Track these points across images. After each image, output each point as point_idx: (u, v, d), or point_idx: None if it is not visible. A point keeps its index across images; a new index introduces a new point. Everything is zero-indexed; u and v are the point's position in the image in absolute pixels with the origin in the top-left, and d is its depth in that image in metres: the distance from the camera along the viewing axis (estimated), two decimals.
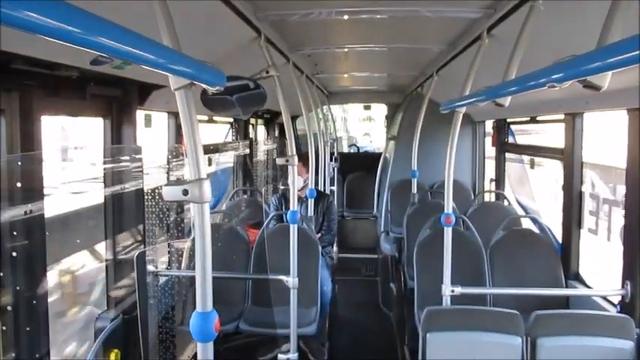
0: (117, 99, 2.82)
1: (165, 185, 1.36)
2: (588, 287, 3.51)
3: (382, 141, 9.36)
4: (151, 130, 3.39)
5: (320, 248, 4.00)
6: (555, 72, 1.34)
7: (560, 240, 3.81)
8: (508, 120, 5.39)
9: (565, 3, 1.90)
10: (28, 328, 2.05)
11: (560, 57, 1.36)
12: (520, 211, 5.22)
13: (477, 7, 2.50)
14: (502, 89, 1.95)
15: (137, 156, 3.00)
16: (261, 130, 7.44)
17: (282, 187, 6.95)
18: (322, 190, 6.06)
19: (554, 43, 2.32)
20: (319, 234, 4.61)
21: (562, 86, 1.35)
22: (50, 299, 2.27)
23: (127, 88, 2.84)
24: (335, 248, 5.61)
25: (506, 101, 2.06)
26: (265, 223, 4.10)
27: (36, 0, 0.71)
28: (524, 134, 5.41)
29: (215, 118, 5.00)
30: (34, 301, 2.10)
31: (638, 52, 0.93)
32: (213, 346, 1.43)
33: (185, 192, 1.33)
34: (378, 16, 2.81)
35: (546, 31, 2.18)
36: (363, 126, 13.89)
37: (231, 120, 5.70)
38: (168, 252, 3.59)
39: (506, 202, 5.25)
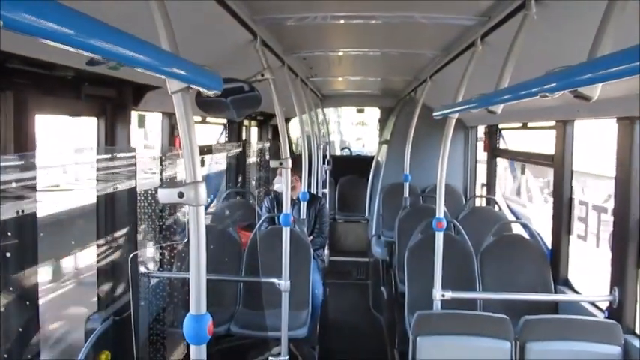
0: (111, 99, 2.82)
1: (161, 187, 1.36)
2: (577, 293, 3.55)
3: (374, 145, 9.39)
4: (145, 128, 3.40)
5: (312, 251, 4.01)
6: (547, 82, 1.37)
7: (549, 246, 3.85)
8: (500, 126, 5.44)
9: (558, 14, 1.93)
10: (20, 329, 2.05)
11: (552, 66, 1.38)
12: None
13: (471, 14, 2.53)
14: (495, 97, 1.97)
15: (130, 155, 3.00)
16: (255, 131, 7.43)
17: (273, 189, 6.94)
18: (314, 192, 6.06)
19: (547, 52, 2.35)
20: (311, 236, 4.62)
21: (553, 96, 1.38)
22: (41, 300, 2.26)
23: (122, 89, 2.84)
24: (326, 251, 5.62)
25: (499, 108, 2.09)
26: (257, 226, 4.10)
27: (35, 2, 0.71)
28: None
29: (208, 119, 5.00)
30: (26, 302, 2.09)
31: (628, 65, 0.95)
32: (205, 349, 1.44)
33: (181, 195, 1.33)
34: (373, 22, 2.83)
35: (539, 41, 2.20)
36: (356, 130, 13.92)
37: (225, 121, 5.70)
38: (160, 253, 3.59)
39: (496, 208, 5.29)
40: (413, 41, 3.51)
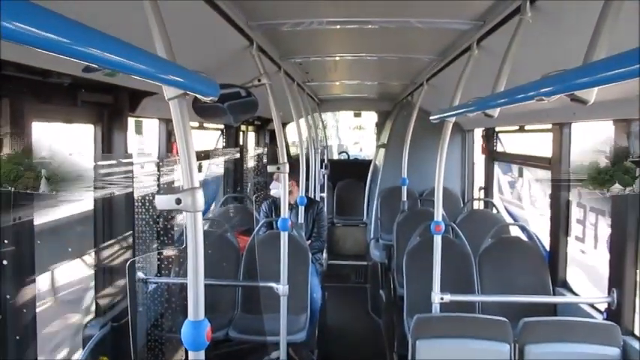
0: (108, 106, 2.82)
1: (158, 194, 1.36)
2: (575, 294, 3.55)
3: (372, 149, 9.39)
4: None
5: (310, 255, 4.01)
6: (544, 86, 1.37)
7: (548, 248, 3.85)
8: (497, 129, 5.45)
9: (553, 18, 1.94)
10: (17, 337, 2.04)
11: (549, 70, 1.39)
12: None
13: (466, 19, 2.53)
14: (491, 101, 1.98)
15: (127, 161, 2.99)
16: (252, 136, 7.44)
17: (271, 194, 6.94)
18: (312, 196, 6.06)
19: (543, 56, 2.36)
20: (309, 240, 4.61)
21: (550, 100, 1.38)
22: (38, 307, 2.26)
23: (119, 95, 2.84)
24: (325, 255, 5.61)
25: (496, 112, 2.10)
26: (255, 230, 4.10)
27: (33, 13, 0.71)
28: None
29: (206, 124, 5.00)
30: (23, 310, 2.08)
31: (624, 69, 0.96)
32: (204, 355, 1.43)
33: (178, 201, 1.33)
34: (369, 26, 2.83)
35: (535, 44, 2.21)
36: (354, 134, 13.96)
37: (222, 126, 5.70)
38: (158, 259, 3.58)
39: (494, 210, 5.29)
40: (409, 46, 3.52)
